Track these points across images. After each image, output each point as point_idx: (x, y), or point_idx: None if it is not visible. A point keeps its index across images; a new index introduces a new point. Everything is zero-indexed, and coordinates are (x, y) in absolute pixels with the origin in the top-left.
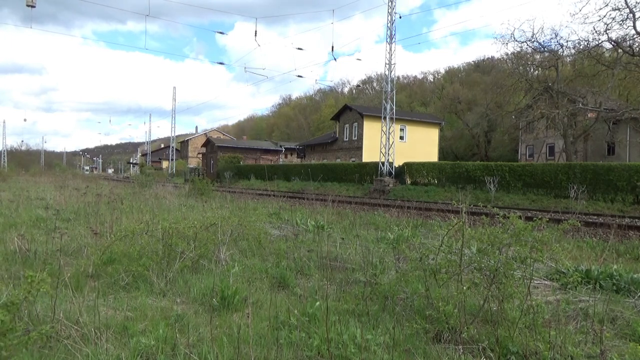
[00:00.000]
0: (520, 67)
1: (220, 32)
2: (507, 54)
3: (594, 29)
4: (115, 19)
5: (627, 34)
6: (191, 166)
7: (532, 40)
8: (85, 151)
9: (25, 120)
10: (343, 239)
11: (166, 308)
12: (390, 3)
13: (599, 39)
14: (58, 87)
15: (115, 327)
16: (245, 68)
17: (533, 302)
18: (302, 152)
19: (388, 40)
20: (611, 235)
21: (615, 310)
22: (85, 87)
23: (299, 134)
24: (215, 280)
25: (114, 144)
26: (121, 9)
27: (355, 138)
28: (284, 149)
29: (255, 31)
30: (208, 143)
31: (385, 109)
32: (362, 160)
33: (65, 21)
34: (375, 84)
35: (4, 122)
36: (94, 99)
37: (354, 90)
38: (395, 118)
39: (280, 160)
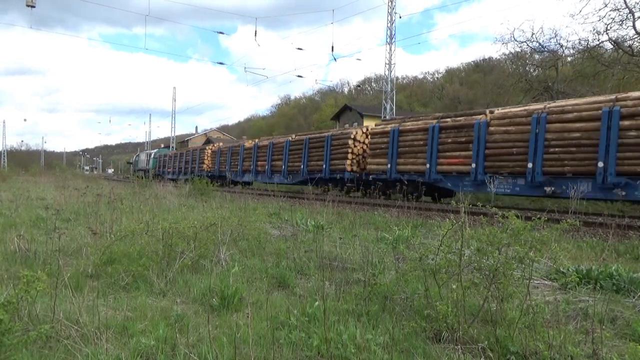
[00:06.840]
0: (520, 67)
1: (221, 33)
2: (505, 54)
3: (594, 29)
4: (121, 23)
5: (626, 34)
6: None
7: (532, 40)
8: (85, 151)
9: (25, 120)
10: (342, 238)
11: (166, 308)
12: (390, 3)
13: (599, 39)
14: (62, 89)
15: (115, 327)
16: (245, 68)
17: (533, 302)
18: None
19: (388, 40)
20: (610, 235)
21: (615, 310)
22: (88, 88)
23: None
24: (215, 280)
25: (114, 144)
26: (123, 10)
27: None
28: None
29: (255, 31)
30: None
31: (385, 108)
32: None
33: (73, 26)
34: (374, 84)
35: (4, 122)
36: (97, 100)
37: (353, 91)
38: (395, 118)
39: None
